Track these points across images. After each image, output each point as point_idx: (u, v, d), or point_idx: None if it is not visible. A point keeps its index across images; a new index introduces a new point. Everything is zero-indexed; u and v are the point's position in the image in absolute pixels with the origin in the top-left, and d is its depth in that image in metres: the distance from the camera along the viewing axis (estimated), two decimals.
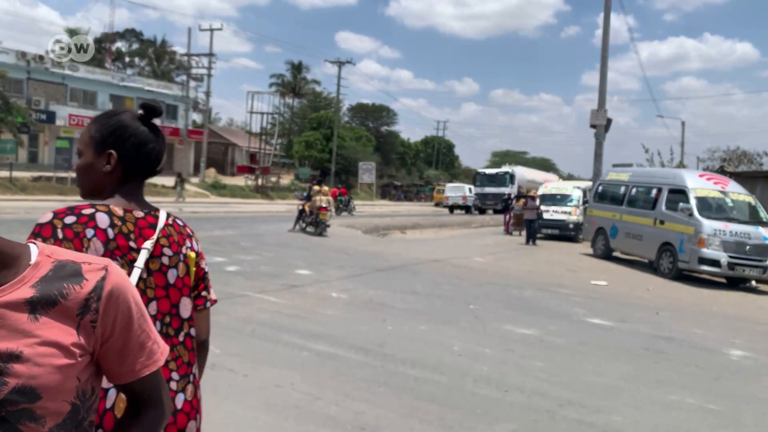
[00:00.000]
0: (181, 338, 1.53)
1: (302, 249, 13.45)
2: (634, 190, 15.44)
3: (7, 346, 0.91)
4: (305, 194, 18.24)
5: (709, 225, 12.30)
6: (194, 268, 1.61)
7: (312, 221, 17.01)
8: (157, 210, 1.56)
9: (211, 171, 43.08)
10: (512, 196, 28.82)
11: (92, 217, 1.41)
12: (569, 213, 21.43)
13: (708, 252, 12.18)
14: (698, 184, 13.48)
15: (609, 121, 21.27)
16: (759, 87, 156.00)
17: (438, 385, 4.78)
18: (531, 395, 4.70)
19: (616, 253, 16.09)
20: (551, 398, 4.66)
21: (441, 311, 7.81)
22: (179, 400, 1.50)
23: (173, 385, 1.49)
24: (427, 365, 5.28)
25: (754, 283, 12.77)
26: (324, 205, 16.74)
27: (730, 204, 13.28)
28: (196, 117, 49.58)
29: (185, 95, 43.67)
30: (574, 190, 22.46)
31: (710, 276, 12.94)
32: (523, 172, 42.33)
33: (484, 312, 7.90)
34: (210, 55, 40.26)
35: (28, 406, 0.91)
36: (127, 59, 53.04)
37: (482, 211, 39.89)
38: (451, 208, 41.77)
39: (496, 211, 36.68)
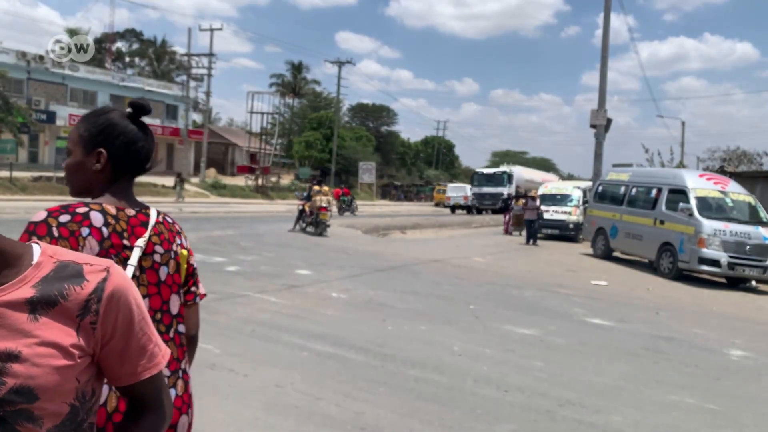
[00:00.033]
0: (171, 335, 1.56)
1: (302, 249, 13.45)
2: (634, 190, 15.44)
3: (6, 345, 0.91)
4: (305, 194, 18.23)
5: (709, 225, 12.30)
6: (185, 266, 1.63)
7: (312, 221, 17.01)
8: (147, 208, 1.57)
9: (211, 171, 43.08)
10: (511, 196, 28.79)
11: (87, 215, 1.42)
12: (569, 213, 21.42)
13: (708, 252, 12.18)
14: (698, 184, 13.49)
15: (609, 121, 21.28)
16: (759, 87, 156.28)
17: (438, 385, 4.77)
18: (531, 395, 4.70)
19: (616, 253, 16.09)
20: (551, 398, 4.66)
21: (441, 311, 7.80)
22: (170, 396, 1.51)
23: None
24: (427, 365, 5.28)
25: (754, 283, 12.76)
26: (324, 205, 16.75)
27: (730, 204, 13.27)
28: (196, 117, 49.66)
29: (185, 95, 43.74)
30: (574, 190, 22.45)
31: (710, 276, 12.94)
32: (521, 172, 42.17)
33: (484, 312, 7.90)
34: (210, 55, 40.31)
35: (26, 407, 0.90)
36: (127, 59, 53.12)
37: (480, 211, 39.64)
38: (453, 208, 41.74)
39: (493, 211, 36.63)
